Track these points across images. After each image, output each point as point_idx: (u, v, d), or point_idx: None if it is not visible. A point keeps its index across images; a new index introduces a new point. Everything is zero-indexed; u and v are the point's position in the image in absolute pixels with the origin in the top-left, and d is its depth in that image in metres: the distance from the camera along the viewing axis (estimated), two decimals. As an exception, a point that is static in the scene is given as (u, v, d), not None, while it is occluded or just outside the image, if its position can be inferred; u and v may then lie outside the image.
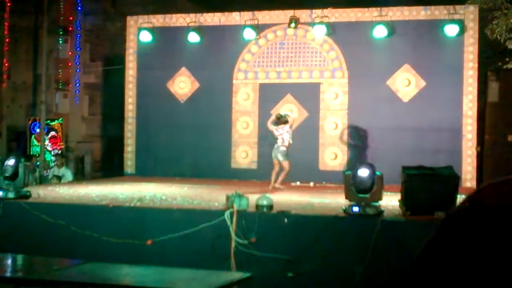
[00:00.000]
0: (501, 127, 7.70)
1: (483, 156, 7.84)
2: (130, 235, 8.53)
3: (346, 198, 8.39)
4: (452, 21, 13.69)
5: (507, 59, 13.51)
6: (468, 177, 13.55)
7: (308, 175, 13.97)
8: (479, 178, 12.01)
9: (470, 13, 13.96)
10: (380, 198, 8.40)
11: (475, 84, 13.68)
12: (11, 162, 9.27)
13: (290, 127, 12.40)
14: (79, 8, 18.63)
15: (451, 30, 13.70)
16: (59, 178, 15.62)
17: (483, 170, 8.09)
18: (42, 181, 16.38)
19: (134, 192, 11.03)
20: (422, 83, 14.18)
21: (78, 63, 19.01)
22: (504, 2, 13.36)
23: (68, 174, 16.07)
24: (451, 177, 8.56)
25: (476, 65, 13.77)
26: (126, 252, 8.32)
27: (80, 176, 18.59)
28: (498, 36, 13.26)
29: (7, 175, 9.22)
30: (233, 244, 8.16)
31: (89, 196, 10.40)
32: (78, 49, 19.01)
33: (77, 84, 18.92)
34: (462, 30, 13.79)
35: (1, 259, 6.39)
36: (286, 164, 12.20)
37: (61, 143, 18.74)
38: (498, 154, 7.65)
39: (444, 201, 8.11)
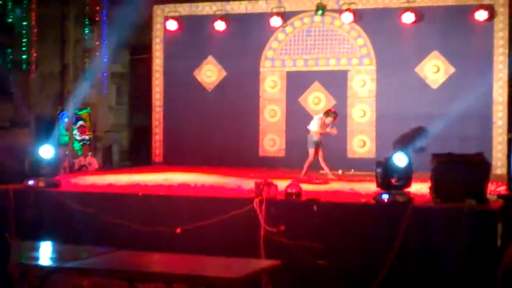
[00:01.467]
0: (533, 113, 7.59)
1: (515, 142, 7.76)
2: (160, 223, 8.53)
3: (377, 186, 8.33)
4: (482, 6, 13.50)
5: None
6: (499, 164, 13.42)
7: (337, 163, 13.88)
8: (510, 165, 11.86)
9: (501, -2, 13.77)
10: (409, 186, 8.33)
11: (506, 70, 13.52)
12: (41, 151, 9.33)
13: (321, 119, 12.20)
14: (105, -3, 18.65)
15: (480, 15, 13.53)
16: (85, 167, 15.72)
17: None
18: (71, 170, 16.47)
19: (162, 181, 11.06)
20: (451, 70, 14.03)
21: (105, 53, 19.03)
22: (535, -14, 13.15)
23: (94, 162, 16.17)
24: (482, 164, 8.45)
25: (507, 50, 13.59)
26: (156, 240, 8.32)
27: (108, 165, 18.64)
28: (528, 21, 13.08)
29: (37, 164, 9.28)
30: (262, 232, 8.15)
31: (118, 184, 10.44)
32: (104, 38, 19.02)
33: (105, 74, 18.95)
34: (492, 15, 13.60)
35: (32, 248, 6.43)
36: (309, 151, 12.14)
37: (89, 133, 18.82)
38: (529, 140, 7.56)
39: (474, 188, 8.03)
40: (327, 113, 12.25)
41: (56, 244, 6.73)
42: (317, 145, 12.09)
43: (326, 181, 11.57)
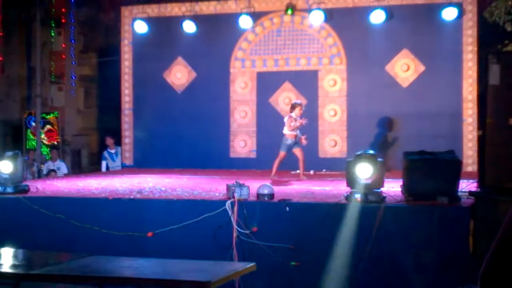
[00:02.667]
0: (503, 110, 7.62)
1: (485, 140, 7.76)
2: (131, 227, 8.43)
3: (348, 185, 8.32)
4: (450, 4, 13.58)
5: (506, 42, 13.42)
6: (470, 161, 13.51)
7: (308, 163, 13.86)
8: (481, 163, 11.96)
9: (469, -4, 13.87)
10: (381, 185, 8.33)
11: (475, 68, 13.62)
12: (8, 156, 9.17)
13: (290, 117, 12.12)
14: (72, -1, 18.46)
15: (449, 13, 13.60)
16: (54, 171, 15.56)
17: (485, 154, 8.02)
18: (39, 175, 16.29)
19: (133, 184, 10.95)
20: (421, 68, 14.09)
21: (72, 55, 18.85)
22: (503, -16, 13.27)
23: (63, 167, 16.00)
24: (453, 162, 8.46)
25: (476, 48, 13.69)
26: (127, 245, 8.24)
27: (77, 169, 18.47)
28: (497, 19, 13.15)
29: (4, 170, 9.12)
30: (234, 234, 8.08)
31: (88, 188, 10.30)
32: (72, 41, 18.84)
33: (73, 77, 18.77)
34: (461, 13, 13.69)
35: (0, 255, 6.30)
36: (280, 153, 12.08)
37: (57, 137, 18.63)
38: (499, 137, 7.56)
39: (446, 186, 8.04)
40: (292, 107, 12.14)
41: (24, 251, 6.60)
42: (290, 148, 12.00)
43: (298, 181, 11.57)
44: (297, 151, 12.05)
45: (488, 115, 7.78)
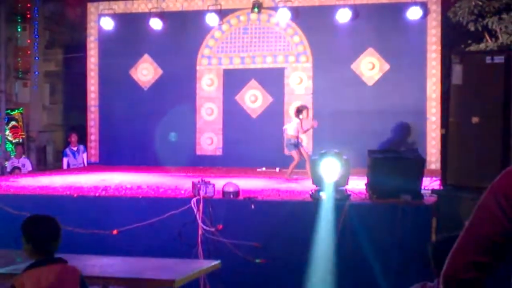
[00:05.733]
0: (465, 109, 7.75)
1: (447, 138, 7.89)
2: (96, 225, 8.42)
3: (313, 183, 8.39)
4: (415, 4, 13.72)
5: (469, 41, 13.60)
6: (433, 159, 13.67)
7: (274, 160, 13.92)
8: (444, 161, 12.12)
9: (433, -4, 14.02)
10: (346, 183, 8.42)
11: (439, 67, 13.77)
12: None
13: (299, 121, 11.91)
14: (37, -6, 18.28)
15: (414, 13, 13.73)
16: (18, 168, 15.40)
17: (447, 152, 8.15)
18: (3, 172, 16.13)
19: (98, 181, 10.90)
20: (386, 67, 14.21)
21: (37, 51, 18.69)
22: (466, -16, 13.43)
23: (27, 164, 15.85)
24: (417, 160, 8.59)
25: (439, 48, 13.84)
26: (93, 243, 8.21)
27: (42, 166, 18.33)
28: (460, 19, 13.31)
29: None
30: (200, 232, 8.11)
31: (52, 186, 10.24)
32: (36, 36, 18.68)
33: (36, 73, 18.61)
34: (425, 13, 13.83)
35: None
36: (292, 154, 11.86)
37: (22, 133, 18.46)
38: (462, 136, 7.69)
39: (409, 184, 8.16)
40: (299, 111, 11.91)
41: (-12, 249, 6.55)
42: (297, 147, 11.80)
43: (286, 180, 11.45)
44: (294, 153, 11.84)
45: (451, 114, 7.90)
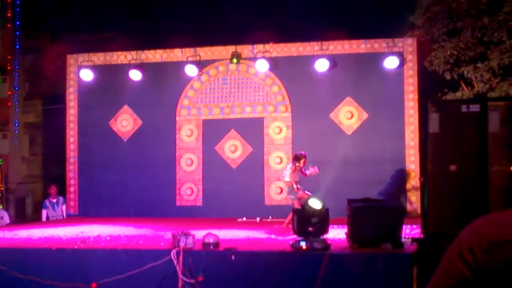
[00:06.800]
0: (443, 157, 7.82)
1: (427, 186, 7.95)
2: (74, 278, 8.31)
3: (294, 233, 8.37)
4: (392, 53, 13.90)
5: (446, 90, 13.77)
6: (414, 207, 13.68)
7: (254, 210, 13.89)
8: (423, 209, 12.16)
9: (409, 46, 14.21)
10: (326, 232, 8.40)
11: (416, 115, 13.89)
12: None
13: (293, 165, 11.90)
14: (17, 46, 18.32)
15: (391, 62, 13.91)
16: (-5, 221, 15.21)
17: (427, 200, 8.21)
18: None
19: (77, 234, 10.79)
20: (365, 116, 14.32)
21: (17, 103, 18.64)
22: (441, 34, 13.65)
23: (5, 216, 15.66)
24: (397, 209, 8.61)
25: (417, 96, 13.98)
26: (70, 296, 8.10)
27: (21, 218, 18.12)
28: (436, 68, 13.51)
29: None
30: (180, 284, 8.03)
31: (31, 239, 10.12)
32: (17, 88, 18.66)
33: (16, 124, 18.54)
34: (402, 62, 14.02)
35: None
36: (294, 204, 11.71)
37: (1, 185, 18.29)
38: (440, 184, 7.75)
39: (390, 233, 8.16)
40: (296, 158, 11.94)
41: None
42: (296, 195, 11.70)
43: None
44: (295, 203, 11.72)
45: (429, 162, 7.96)
